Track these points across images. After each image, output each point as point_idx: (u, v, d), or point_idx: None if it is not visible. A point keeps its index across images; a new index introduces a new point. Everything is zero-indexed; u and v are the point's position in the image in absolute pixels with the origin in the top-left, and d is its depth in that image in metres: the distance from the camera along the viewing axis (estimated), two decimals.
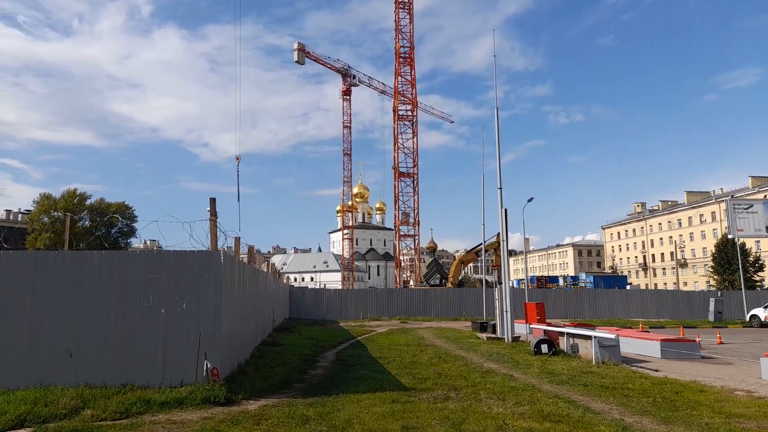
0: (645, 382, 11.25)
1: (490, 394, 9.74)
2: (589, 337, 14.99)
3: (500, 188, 21.36)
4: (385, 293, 40.40)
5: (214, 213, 9.51)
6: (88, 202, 78.53)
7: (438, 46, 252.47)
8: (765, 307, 32.19)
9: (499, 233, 52.85)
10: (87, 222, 74.69)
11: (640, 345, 17.45)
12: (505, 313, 20.95)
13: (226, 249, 11.56)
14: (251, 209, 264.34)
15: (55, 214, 73.10)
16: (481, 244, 57.09)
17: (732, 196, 65.75)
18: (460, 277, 51.69)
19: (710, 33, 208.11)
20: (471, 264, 57.61)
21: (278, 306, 26.57)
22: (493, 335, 22.10)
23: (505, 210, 21.09)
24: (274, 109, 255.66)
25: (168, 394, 8.38)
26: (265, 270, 21.38)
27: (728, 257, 62.84)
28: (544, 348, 16.05)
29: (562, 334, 16.92)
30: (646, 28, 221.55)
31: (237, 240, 12.07)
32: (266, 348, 15.99)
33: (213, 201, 9.57)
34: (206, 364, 8.86)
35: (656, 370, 13.66)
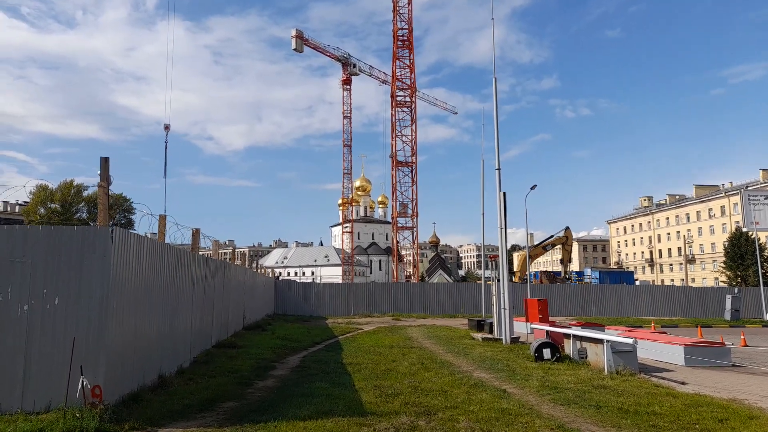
0: (675, 402, 8.80)
1: (473, 423, 7.33)
2: (600, 341, 12.56)
3: (498, 169, 18.90)
4: (378, 288, 37.99)
5: (104, 177, 7.11)
6: (85, 193, 76.81)
7: (444, 38, 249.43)
8: None
9: (567, 227, 51.99)
10: (84, 214, 72.96)
11: (659, 349, 15.00)
12: (503, 310, 18.53)
13: (149, 234, 9.18)
14: (255, 203, 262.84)
15: (52, 205, 71.27)
16: (550, 237, 55.57)
17: (746, 188, 62.95)
18: (532, 272, 50.36)
19: (717, 26, 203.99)
20: (538, 258, 55.83)
21: (255, 301, 24.21)
22: (490, 335, 19.69)
23: (504, 193, 18.62)
24: (279, 101, 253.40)
25: (21, 425, 6.01)
26: (232, 261, 19.02)
27: (741, 252, 60.09)
28: (547, 353, 13.62)
29: (567, 336, 14.49)
30: (653, 20, 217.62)
31: (162, 218, 9.69)
32: (219, 351, 13.62)
33: (104, 162, 7.17)
34: (82, 381, 6.48)
35: (683, 383, 11.22)
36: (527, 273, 50.11)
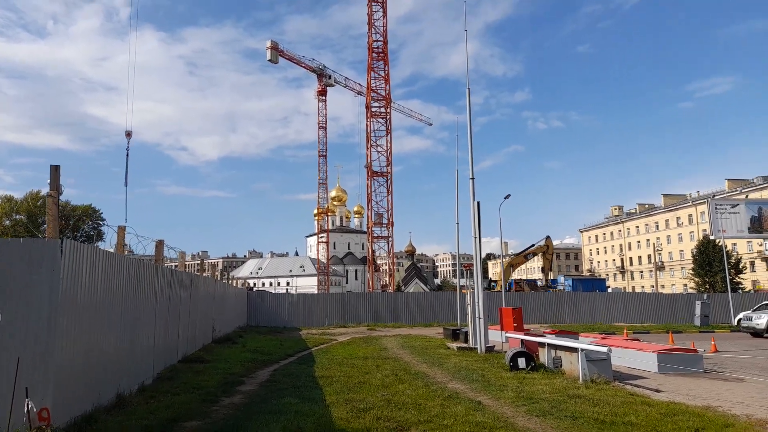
0: (650, 411, 8.68)
1: None
2: (574, 350, 12.45)
3: (472, 178, 18.81)
4: (353, 297, 37.59)
5: (54, 187, 6.68)
6: None
7: (418, 51, 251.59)
8: (755, 310, 29.90)
9: (548, 236, 52.54)
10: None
11: (632, 356, 14.98)
12: (478, 319, 18.36)
13: (105, 246, 8.67)
14: (229, 213, 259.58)
15: (17, 217, 68.98)
16: (531, 246, 55.85)
17: (713, 197, 64.54)
18: (509, 281, 50.67)
19: (685, 42, 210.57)
20: (519, 266, 56.29)
21: (226, 313, 23.61)
22: (465, 345, 19.49)
23: (478, 203, 18.53)
24: (253, 112, 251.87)
25: None
26: (200, 273, 18.48)
27: (709, 259, 61.50)
28: (521, 362, 13.46)
29: (542, 344, 14.38)
30: (623, 36, 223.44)
31: (121, 230, 9.23)
32: (185, 366, 13.11)
33: (54, 170, 6.73)
34: (28, 404, 6.02)
35: (657, 390, 11.16)
36: (506, 281, 50.79)
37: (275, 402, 9.34)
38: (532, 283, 54.66)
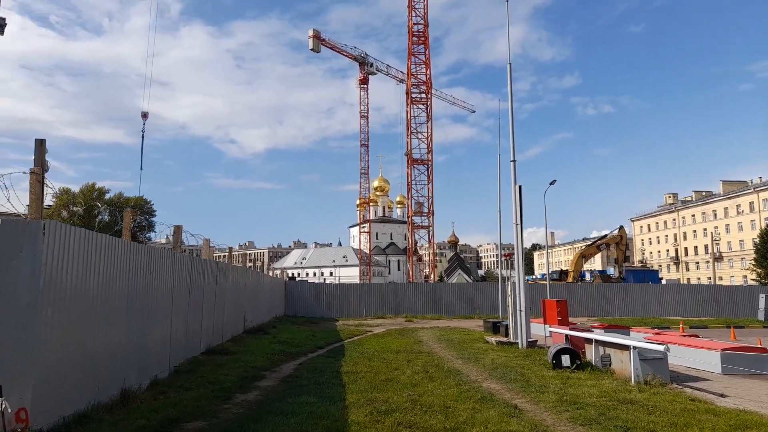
0: (717, 422, 7.47)
1: None
2: (626, 347, 11.22)
3: (513, 160, 17.59)
4: (392, 288, 36.80)
5: (39, 162, 6.08)
6: (107, 196, 77.51)
7: (463, 38, 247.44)
8: None
9: (621, 226, 51.03)
10: (106, 216, 73.33)
11: (691, 355, 13.58)
12: (519, 312, 17.22)
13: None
14: (275, 205, 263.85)
15: (74, 209, 71.65)
16: (603, 236, 54.43)
17: None
18: (581, 271, 49.79)
19: (745, 20, 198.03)
20: (592, 257, 55.35)
21: (260, 303, 23.24)
22: (505, 339, 18.37)
23: (519, 186, 17.31)
24: (299, 104, 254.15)
25: None
26: (229, 262, 18.03)
27: None
28: (565, 360, 12.30)
29: (589, 340, 13.16)
30: (678, 15, 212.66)
31: (127, 214, 8.65)
32: (208, 358, 12.60)
33: (39, 144, 6.13)
34: (2, 404, 5.43)
35: (722, 395, 9.84)
36: (578, 272, 49.10)
37: (291, 401, 8.61)
38: (604, 275, 52.61)
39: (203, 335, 13.29)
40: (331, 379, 10.86)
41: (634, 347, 10.83)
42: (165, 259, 10.20)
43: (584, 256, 51.32)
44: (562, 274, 53.42)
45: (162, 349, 10.14)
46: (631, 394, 9.42)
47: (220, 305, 15.15)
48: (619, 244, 50.47)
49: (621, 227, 50.68)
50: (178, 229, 11.22)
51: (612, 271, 60.07)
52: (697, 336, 16.97)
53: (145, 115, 23.82)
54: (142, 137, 23.20)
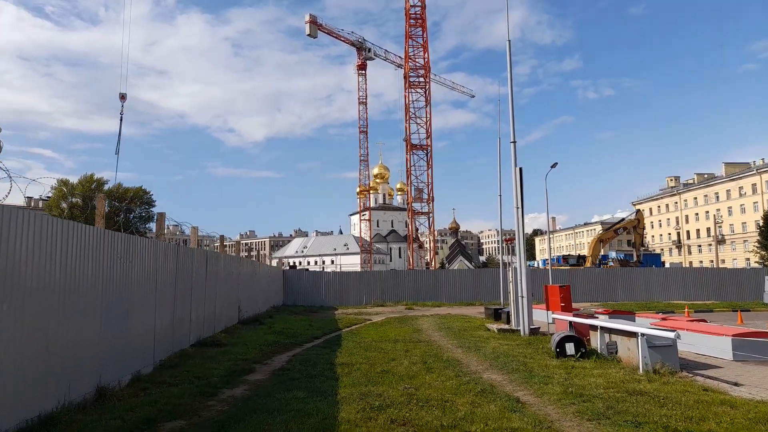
0: (734, 415, 6.94)
1: None
2: (633, 334, 10.69)
3: (513, 141, 16.97)
4: (392, 275, 36.33)
5: None
6: (105, 187, 76.89)
7: (462, 22, 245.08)
8: None
9: (638, 210, 50.65)
10: (106, 207, 72.85)
11: (700, 341, 13.06)
12: (520, 299, 16.71)
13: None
14: (276, 193, 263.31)
15: (73, 200, 71.18)
16: (621, 220, 54.12)
17: None
18: (599, 256, 49.64)
19: None
20: (610, 242, 55.38)
21: (256, 292, 22.76)
22: (507, 326, 17.89)
23: (520, 168, 16.71)
24: (298, 91, 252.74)
25: None
26: (220, 250, 17.49)
27: None
28: (570, 348, 11.80)
29: (594, 327, 12.64)
30: None
31: (100, 199, 8.10)
32: (197, 351, 12.10)
33: None
34: None
35: (736, 384, 9.32)
36: (596, 257, 48.60)
37: (279, 396, 8.09)
38: (623, 260, 52.30)
39: (192, 327, 12.79)
40: (324, 371, 10.36)
41: (642, 334, 10.30)
42: (146, 248, 9.65)
43: (602, 240, 51.17)
44: (580, 259, 53.29)
45: (145, 342, 9.62)
46: (640, 384, 8.90)
47: (211, 295, 14.63)
48: (636, 228, 50.47)
49: (638, 211, 50.65)
50: (161, 217, 10.67)
51: (613, 255, 59.65)
52: (705, 321, 16.46)
53: (123, 97, 23.12)
54: (120, 120, 22.53)
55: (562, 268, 43.72)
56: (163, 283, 10.58)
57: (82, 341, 7.22)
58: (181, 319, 11.83)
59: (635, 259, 51.55)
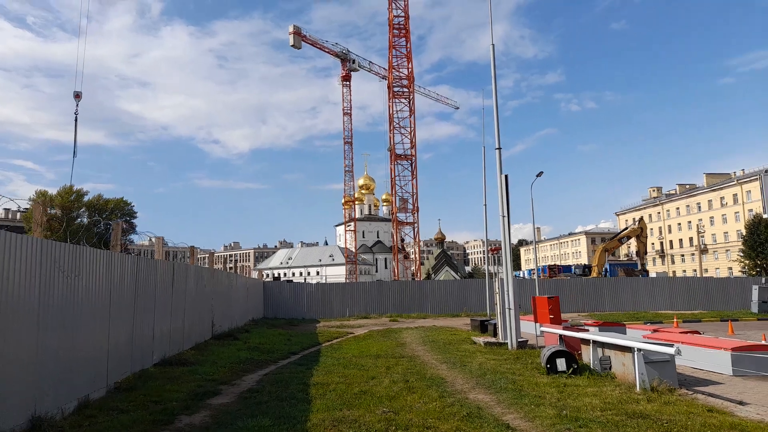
0: None
1: None
2: (628, 349, 9.99)
3: (498, 148, 16.34)
4: (376, 286, 35.45)
5: None
6: (85, 198, 74.91)
7: (447, 36, 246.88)
8: None
9: (641, 218, 50.33)
10: (85, 219, 70.91)
11: (697, 354, 12.42)
12: (508, 311, 15.99)
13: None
14: (261, 204, 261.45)
15: (52, 211, 69.27)
16: (625, 229, 53.73)
17: (766, 172, 59.95)
18: (604, 266, 49.27)
19: (724, 15, 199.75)
20: (615, 250, 55.43)
21: (233, 306, 21.76)
22: (494, 339, 17.13)
23: (506, 176, 16.05)
24: (283, 103, 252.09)
25: None
26: (191, 262, 16.56)
27: (761, 239, 57.12)
28: (561, 364, 11.06)
29: (586, 341, 11.93)
30: (659, 11, 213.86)
31: (37, 206, 7.19)
32: (159, 371, 11.13)
33: None
34: None
35: (741, 403, 8.64)
36: (601, 266, 48.34)
37: (242, 425, 7.22)
38: (628, 269, 52.12)
39: (156, 344, 11.82)
40: (296, 393, 9.48)
41: (639, 349, 9.59)
42: (97, 260, 8.74)
43: (607, 249, 51.12)
44: (586, 269, 53.18)
45: (96, 363, 8.68)
46: (639, 404, 8.17)
47: (179, 310, 13.68)
48: (640, 236, 50.49)
49: (641, 219, 50.78)
50: (117, 227, 9.78)
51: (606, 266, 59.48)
52: (698, 332, 15.87)
53: (77, 96, 22.16)
54: (75, 120, 21.53)
55: (562, 277, 43.44)
56: (120, 298, 9.66)
57: (9, 364, 6.29)
58: (141, 335, 10.89)
59: (639, 267, 51.67)
